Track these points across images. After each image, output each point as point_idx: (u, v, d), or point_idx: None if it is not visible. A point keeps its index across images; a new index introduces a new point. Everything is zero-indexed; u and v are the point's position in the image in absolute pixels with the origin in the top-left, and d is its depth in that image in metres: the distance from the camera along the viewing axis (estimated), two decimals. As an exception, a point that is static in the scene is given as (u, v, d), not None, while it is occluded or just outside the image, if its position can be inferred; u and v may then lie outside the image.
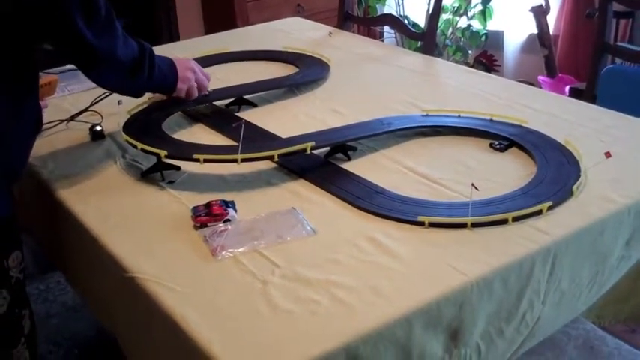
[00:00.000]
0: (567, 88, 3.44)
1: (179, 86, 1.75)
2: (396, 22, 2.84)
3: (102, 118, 1.82)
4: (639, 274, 1.50)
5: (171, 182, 1.53)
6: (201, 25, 4.11)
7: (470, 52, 4.06)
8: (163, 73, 1.70)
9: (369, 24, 3.95)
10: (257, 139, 1.67)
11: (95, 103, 1.86)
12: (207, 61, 2.21)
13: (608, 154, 1.47)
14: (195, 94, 1.81)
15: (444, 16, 4.03)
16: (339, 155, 1.62)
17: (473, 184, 1.32)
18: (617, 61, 2.93)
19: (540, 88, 3.71)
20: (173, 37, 3.88)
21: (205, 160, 1.50)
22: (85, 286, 1.58)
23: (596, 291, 1.43)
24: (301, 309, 1.11)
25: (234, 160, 1.48)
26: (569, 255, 1.30)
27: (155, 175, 1.56)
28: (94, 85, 1.65)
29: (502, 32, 4.12)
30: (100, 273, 1.39)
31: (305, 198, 1.45)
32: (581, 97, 2.46)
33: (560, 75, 3.71)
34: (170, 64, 1.73)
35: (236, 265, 1.23)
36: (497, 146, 1.62)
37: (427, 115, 1.78)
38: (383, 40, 4.21)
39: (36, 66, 1.48)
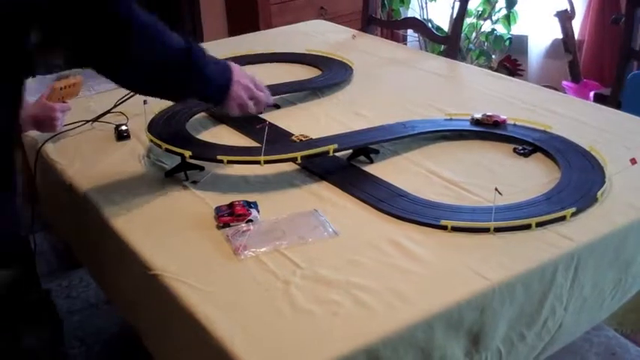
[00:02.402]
0: (592, 94, 3.42)
1: (229, 103, 1.56)
2: (419, 25, 2.84)
3: (127, 119, 1.84)
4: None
5: (194, 182, 1.54)
6: (225, 28, 4.13)
7: (494, 56, 4.04)
8: (215, 74, 1.52)
9: (393, 27, 3.95)
10: (280, 141, 1.67)
11: (120, 103, 1.87)
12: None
13: (633, 161, 1.46)
14: (251, 112, 1.62)
15: (467, 20, 4.02)
16: (362, 158, 1.62)
17: (496, 189, 1.31)
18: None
19: (564, 93, 3.69)
20: (197, 38, 3.90)
21: (229, 161, 1.50)
22: (110, 283, 1.59)
23: (619, 298, 1.42)
24: (322, 310, 1.11)
25: (258, 162, 1.49)
26: (593, 261, 1.29)
27: (179, 174, 1.57)
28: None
29: (526, 37, 4.10)
30: (125, 270, 1.41)
31: (327, 200, 1.45)
32: (606, 103, 2.45)
33: (584, 80, 3.69)
34: (225, 74, 1.55)
35: (258, 264, 1.24)
36: (521, 151, 1.62)
37: (450, 119, 1.78)
38: (406, 44, 4.21)
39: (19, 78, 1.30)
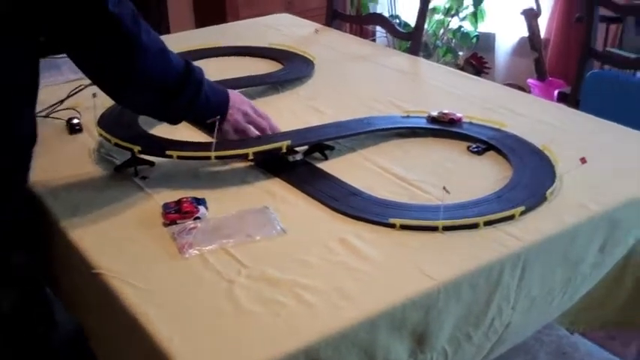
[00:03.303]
0: (556, 92, 3.44)
1: (225, 127, 1.55)
2: (383, 21, 2.83)
3: (79, 113, 1.80)
4: (614, 281, 1.49)
5: (144, 178, 1.52)
6: (192, 19, 4.10)
7: (460, 53, 4.05)
8: (211, 103, 1.51)
9: (357, 22, 3.94)
10: (234, 136, 1.65)
11: (72, 95, 1.84)
12: (192, 55, 2.19)
13: (583, 160, 1.46)
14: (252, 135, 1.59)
15: (436, 17, 4.03)
16: (317, 154, 1.60)
17: (444, 187, 1.31)
18: (607, 66, 2.93)
19: (530, 91, 3.71)
20: (162, 30, 3.86)
21: (179, 157, 1.48)
22: (56, 280, 1.56)
23: (569, 298, 1.42)
24: (265, 310, 1.10)
25: (208, 157, 1.47)
26: (540, 261, 1.29)
27: (129, 170, 1.54)
28: (75, 76, 1.63)
29: (494, 34, 4.12)
30: (69, 268, 1.38)
31: (279, 197, 1.44)
32: (566, 102, 2.46)
33: (550, 79, 3.71)
34: (222, 98, 1.56)
35: (203, 263, 1.22)
36: (475, 149, 1.61)
37: (407, 116, 1.77)
38: (375, 39, 4.20)
39: (37, 74, 1.37)
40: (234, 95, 1.59)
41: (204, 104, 1.49)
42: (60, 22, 1.29)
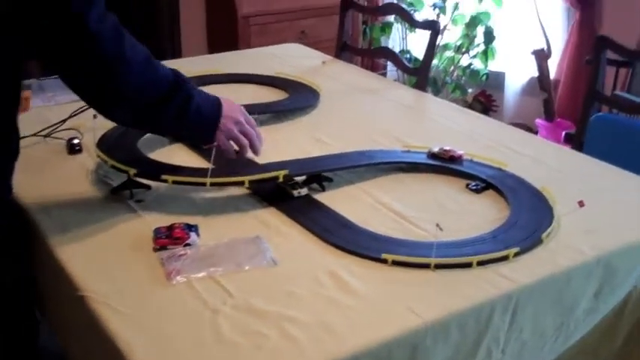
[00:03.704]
0: (563, 133, 3.43)
1: (219, 136, 1.50)
2: (392, 55, 2.83)
3: (80, 133, 1.80)
4: (609, 328, 1.46)
5: (139, 201, 1.51)
6: (204, 46, 4.12)
7: (470, 90, 4.05)
8: (202, 112, 1.47)
9: (366, 55, 3.94)
10: (232, 163, 1.64)
11: (73, 115, 1.84)
12: (198, 81, 2.19)
13: (581, 203, 1.45)
14: (244, 152, 1.55)
15: (447, 54, 4.03)
16: (314, 185, 1.59)
17: (437, 225, 1.29)
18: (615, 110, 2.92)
19: (538, 131, 3.70)
20: (175, 54, 3.88)
21: (174, 182, 1.48)
22: (44, 299, 1.55)
23: (561, 343, 1.39)
24: (247, 342, 1.08)
25: (203, 184, 1.46)
26: (533, 304, 1.27)
27: (125, 192, 1.54)
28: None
29: (504, 73, 4.11)
30: (57, 288, 1.37)
31: (272, 227, 1.43)
32: (572, 143, 2.45)
33: (558, 120, 3.70)
34: (214, 107, 1.51)
35: (189, 291, 1.21)
36: (474, 187, 1.60)
37: (408, 151, 1.76)
38: (386, 73, 4.21)
39: (19, 87, 1.38)
40: (227, 103, 1.54)
41: (195, 114, 1.45)
42: (42, 42, 1.29)
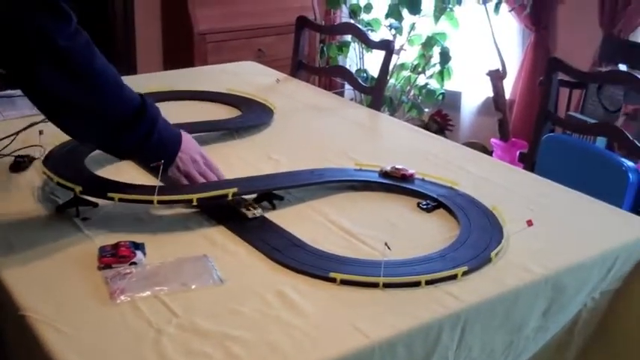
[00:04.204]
0: (518, 153, 3.46)
1: (172, 169, 1.53)
2: (346, 74, 2.84)
3: (29, 150, 1.76)
4: (560, 347, 1.47)
5: (85, 219, 1.48)
6: (160, 63, 4.09)
7: (427, 110, 4.08)
8: (163, 143, 1.49)
9: (321, 74, 3.95)
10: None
11: (20, 132, 1.80)
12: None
13: (529, 222, 1.45)
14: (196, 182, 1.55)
15: (404, 73, 4.06)
16: (265, 204, 1.58)
17: (386, 243, 1.29)
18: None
19: (493, 150, 3.73)
20: (130, 70, 3.85)
21: (120, 199, 1.45)
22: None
23: (511, 361, 1.39)
24: (190, 362, 1.06)
25: (151, 202, 1.44)
26: (481, 323, 1.27)
27: (72, 210, 1.51)
28: (30, 112, 1.61)
29: (460, 93, 4.16)
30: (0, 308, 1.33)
31: (220, 245, 1.41)
32: (525, 163, 2.48)
33: (513, 139, 3.74)
34: (174, 140, 1.54)
35: (133, 310, 1.18)
36: (425, 206, 1.60)
37: (360, 170, 1.76)
38: (343, 92, 4.22)
39: None
40: (187, 140, 1.57)
41: (156, 142, 1.47)
42: (7, 53, 1.28)
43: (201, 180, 1.56)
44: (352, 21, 3.69)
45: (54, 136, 1.63)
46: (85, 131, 1.43)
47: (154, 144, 1.47)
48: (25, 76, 1.33)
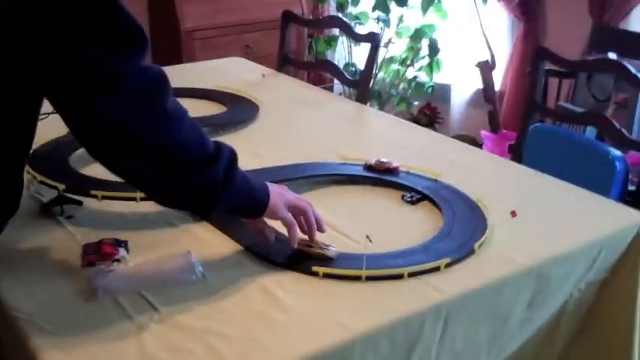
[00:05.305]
0: (507, 144, 3.46)
1: (272, 202, 1.31)
2: (332, 68, 2.84)
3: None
4: (546, 339, 1.47)
5: (69, 217, 1.48)
6: (147, 59, 4.07)
7: (416, 103, 4.07)
8: (250, 185, 1.30)
9: (307, 68, 3.94)
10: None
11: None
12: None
13: (513, 213, 1.45)
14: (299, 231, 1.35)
15: (393, 66, 4.05)
16: (249, 199, 1.58)
17: (367, 236, 1.29)
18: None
19: (483, 143, 3.73)
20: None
21: (103, 197, 1.45)
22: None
23: (496, 353, 1.39)
24: (172, 358, 1.06)
25: (134, 198, 1.44)
26: (464, 314, 1.27)
27: (56, 208, 1.50)
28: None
29: (449, 85, 4.15)
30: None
31: (203, 241, 1.41)
32: (513, 154, 2.48)
33: (503, 131, 3.73)
34: (260, 180, 1.34)
35: (115, 307, 1.18)
36: (409, 199, 1.60)
37: (344, 164, 1.76)
38: (332, 86, 4.21)
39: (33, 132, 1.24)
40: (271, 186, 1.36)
41: (243, 179, 1.28)
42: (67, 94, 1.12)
43: (305, 206, 1.36)
44: (340, 15, 3.68)
45: (37, 135, 1.62)
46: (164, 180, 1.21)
47: (240, 180, 1.28)
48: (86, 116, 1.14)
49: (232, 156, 1.27)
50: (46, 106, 1.18)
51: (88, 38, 1.07)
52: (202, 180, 1.21)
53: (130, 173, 1.20)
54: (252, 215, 1.34)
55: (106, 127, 1.12)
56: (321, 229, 1.37)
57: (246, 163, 1.74)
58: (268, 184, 1.34)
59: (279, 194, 1.34)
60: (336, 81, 4.26)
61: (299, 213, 1.35)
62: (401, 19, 3.91)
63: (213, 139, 1.28)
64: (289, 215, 1.33)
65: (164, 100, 1.18)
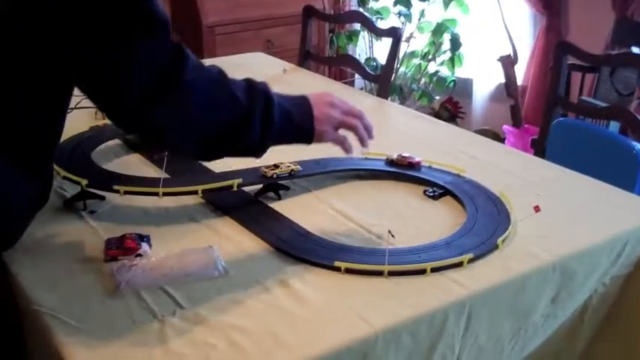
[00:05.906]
0: (530, 139, 3.43)
1: (318, 129, 1.37)
2: (353, 62, 2.83)
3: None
4: (569, 334, 1.46)
5: (92, 212, 1.49)
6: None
7: (437, 97, 4.06)
8: (290, 116, 1.34)
9: (328, 63, 3.94)
10: (187, 173, 1.62)
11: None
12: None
13: (537, 208, 1.44)
14: (358, 134, 1.43)
15: (415, 61, 4.04)
16: (270, 194, 1.58)
17: (389, 231, 1.28)
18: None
19: (505, 137, 3.71)
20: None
21: (126, 192, 1.45)
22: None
23: (520, 348, 1.38)
24: (194, 353, 1.06)
25: (156, 194, 1.44)
26: (487, 310, 1.26)
27: (79, 203, 1.51)
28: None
29: (471, 80, 4.13)
30: (12, 302, 1.34)
31: (225, 236, 1.41)
32: (535, 149, 2.46)
33: (525, 126, 3.71)
34: (303, 106, 1.37)
35: (138, 302, 1.18)
36: (431, 194, 1.59)
37: (366, 158, 1.75)
38: (354, 81, 4.21)
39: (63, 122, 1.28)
40: (313, 94, 1.40)
41: (281, 114, 1.32)
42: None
43: (354, 121, 1.42)
44: (361, 9, 3.67)
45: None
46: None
47: (279, 116, 1.32)
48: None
49: (267, 101, 1.31)
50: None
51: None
52: (241, 141, 1.29)
53: (167, 121, 1.21)
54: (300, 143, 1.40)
55: (146, 67, 1.16)
56: (370, 136, 1.46)
57: (267, 157, 1.75)
58: (312, 101, 1.37)
59: (325, 118, 1.37)
60: (357, 76, 4.25)
61: (349, 127, 1.42)
62: (422, 14, 3.90)
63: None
64: (337, 135, 1.42)
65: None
